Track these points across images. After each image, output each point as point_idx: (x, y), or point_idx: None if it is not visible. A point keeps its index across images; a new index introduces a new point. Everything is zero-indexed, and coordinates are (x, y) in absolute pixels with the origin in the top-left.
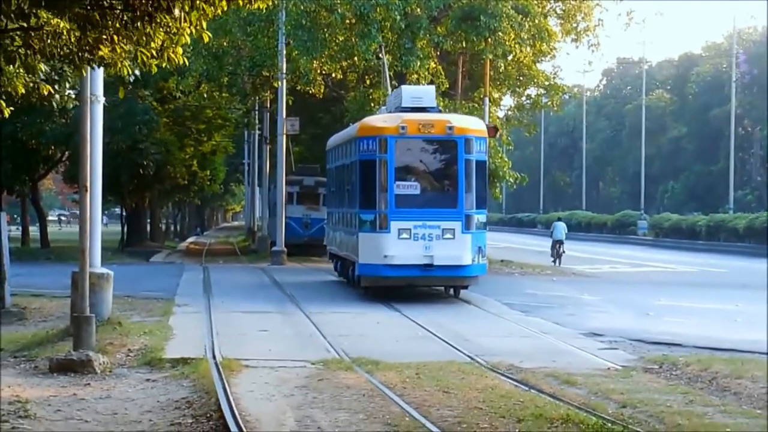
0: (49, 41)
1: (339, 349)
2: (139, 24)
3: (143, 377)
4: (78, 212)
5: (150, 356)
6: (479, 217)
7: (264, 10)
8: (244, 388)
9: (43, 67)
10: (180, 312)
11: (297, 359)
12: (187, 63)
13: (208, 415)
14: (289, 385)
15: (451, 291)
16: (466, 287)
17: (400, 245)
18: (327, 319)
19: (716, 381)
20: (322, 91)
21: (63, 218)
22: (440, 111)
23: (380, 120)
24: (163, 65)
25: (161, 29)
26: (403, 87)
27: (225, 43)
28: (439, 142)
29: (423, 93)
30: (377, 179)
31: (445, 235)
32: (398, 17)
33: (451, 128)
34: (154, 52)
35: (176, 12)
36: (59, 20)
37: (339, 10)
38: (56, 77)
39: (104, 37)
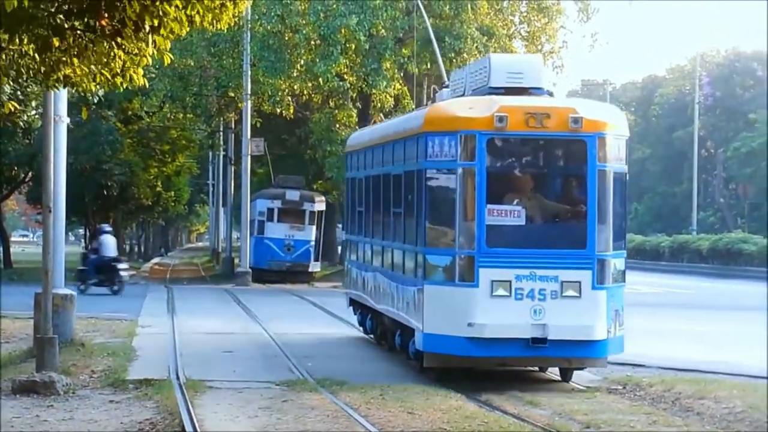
0: (14, 59)
1: (303, 370)
2: (99, 46)
3: (107, 398)
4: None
5: (114, 377)
6: (617, 263)
7: (229, 31)
8: (209, 410)
9: (7, 88)
10: (144, 333)
11: (261, 380)
12: (146, 84)
13: None
14: (253, 406)
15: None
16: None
17: (495, 307)
18: (291, 340)
19: (679, 401)
20: (291, 111)
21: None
22: (550, 94)
23: (461, 106)
24: (124, 86)
25: (121, 51)
26: (492, 56)
27: (191, 63)
28: (559, 142)
29: (524, 65)
30: (457, 201)
31: (567, 292)
32: (363, 38)
33: (577, 120)
34: (116, 73)
35: (141, 34)
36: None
37: (304, 31)
38: (21, 96)
39: (64, 58)
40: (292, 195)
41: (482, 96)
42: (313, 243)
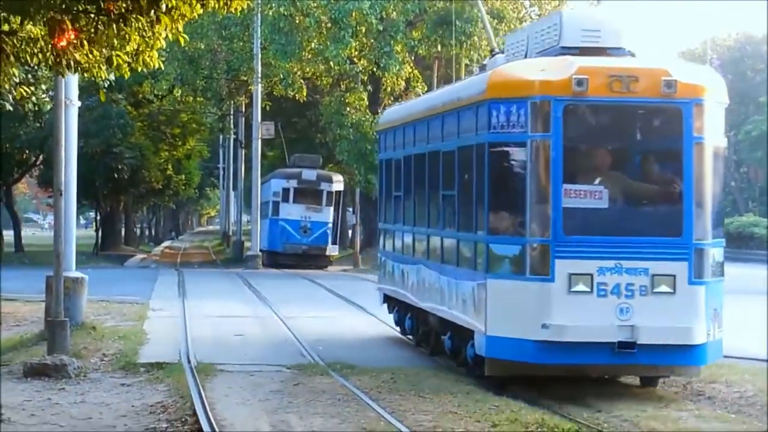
0: (23, 46)
1: (314, 354)
2: (113, 28)
3: (118, 382)
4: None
5: (125, 361)
6: (716, 254)
7: (240, 14)
8: (220, 393)
9: (16, 71)
10: (155, 316)
11: (272, 363)
12: (162, 67)
13: (183, 419)
14: (264, 390)
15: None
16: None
17: (574, 305)
18: (302, 324)
19: (690, 385)
20: (304, 94)
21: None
22: (632, 55)
23: (532, 68)
24: (139, 69)
25: (136, 33)
26: (564, 12)
27: (201, 47)
28: (649, 110)
29: (602, 22)
30: (528, 180)
31: (659, 287)
32: (374, 21)
33: (671, 84)
34: (129, 56)
35: (151, 14)
36: (32, 26)
37: (315, 14)
38: (32, 80)
39: (75, 41)
40: (309, 174)
41: (555, 57)
42: (330, 225)
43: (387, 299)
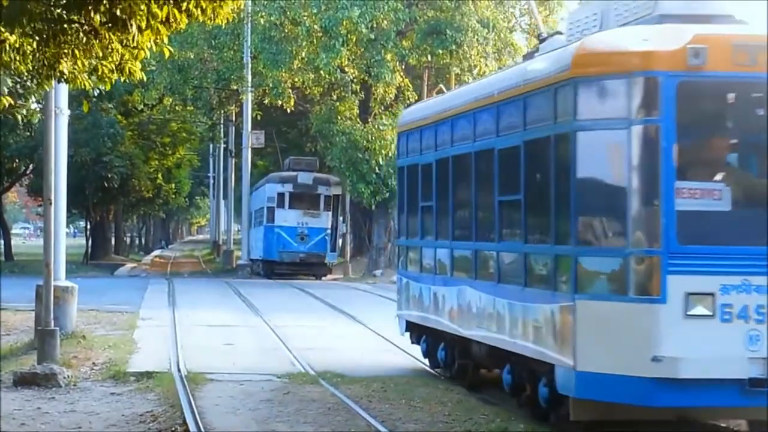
0: (12, 56)
1: (304, 362)
2: (97, 39)
3: (108, 391)
4: (31, 226)
5: (115, 370)
6: None
7: (230, 24)
8: (210, 402)
9: (9, 81)
10: (145, 325)
11: (262, 373)
12: (144, 78)
13: (173, 428)
14: (254, 399)
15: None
16: None
17: (692, 333)
18: (292, 333)
19: None
20: (292, 103)
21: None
22: (745, 23)
23: (632, 37)
24: (123, 79)
25: (119, 44)
26: None
27: (191, 56)
28: None
29: None
30: (630, 176)
31: None
32: (365, 30)
33: None
34: (113, 66)
35: (133, 30)
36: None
37: (306, 23)
38: (21, 91)
39: (64, 51)
40: (305, 178)
41: (657, 25)
42: (329, 231)
43: (410, 327)
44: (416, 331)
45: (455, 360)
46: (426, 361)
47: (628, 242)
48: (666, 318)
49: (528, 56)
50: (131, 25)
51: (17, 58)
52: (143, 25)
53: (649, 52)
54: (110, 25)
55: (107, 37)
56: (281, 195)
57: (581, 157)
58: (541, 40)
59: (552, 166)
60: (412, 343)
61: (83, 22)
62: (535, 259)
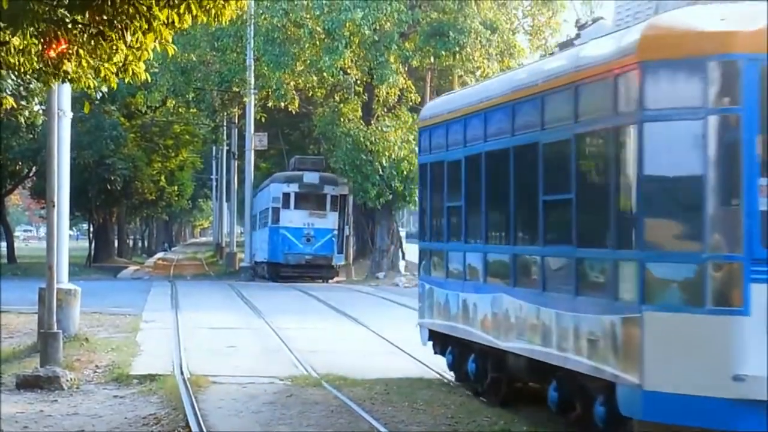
0: (16, 58)
1: (307, 365)
2: (101, 40)
3: (111, 393)
4: (34, 229)
5: (117, 372)
6: None
7: (233, 26)
8: (213, 404)
9: (11, 82)
10: (147, 328)
11: (265, 375)
12: (149, 78)
13: (176, 431)
14: (257, 401)
15: None
16: None
17: None
18: (295, 335)
19: None
20: (296, 105)
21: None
22: None
23: (705, 17)
24: (126, 80)
25: (123, 44)
26: None
27: (193, 58)
28: None
29: None
30: (708, 172)
31: None
32: (368, 32)
33: None
34: (116, 68)
35: (135, 32)
36: (24, 36)
37: (309, 25)
38: (24, 93)
39: (69, 52)
40: (311, 177)
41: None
42: (336, 232)
43: (433, 337)
44: (440, 341)
45: (487, 373)
46: (451, 374)
47: (704, 246)
48: (749, 332)
49: (565, 45)
50: (132, 27)
51: (21, 60)
52: (145, 26)
53: (727, 33)
54: (112, 27)
55: (112, 37)
56: (286, 195)
57: (649, 150)
58: (581, 27)
59: (612, 161)
60: (435, 353)
61: (88, 23)
62: (590, 264)
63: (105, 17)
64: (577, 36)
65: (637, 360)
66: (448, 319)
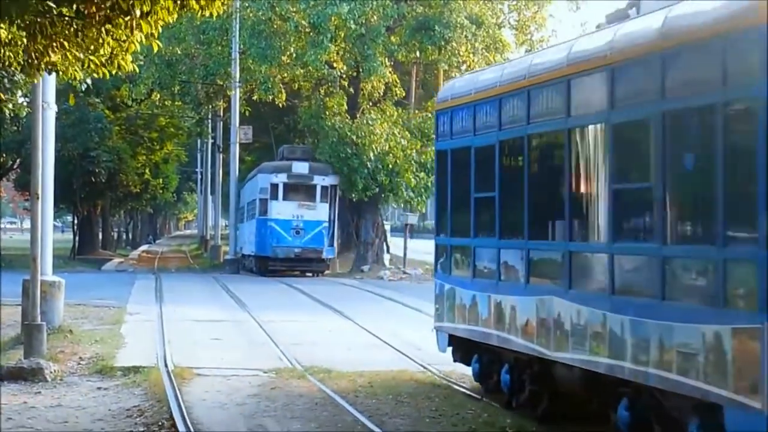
0: (2, 50)
1: (291, 357)
2: (88, 32)
3: (94, 385)
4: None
5: (101, 364)
6: None
7: (218, 19)
8: (197, 397)
9: None
10: (132, 320)
11: (249, 368)
12: (137, 70)
13: (160, 423)
14: (241, 394)
15: None
16: None
17: None
18: (279, 328)
19: None
20: (283, 98)
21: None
22: None
23: None
24: (113, 72)
25: (110, 37)
26: None
27: (178, 51)
28: None
29: None
30: None
31: None
32: (354, 26)
33: None
34: (103, 60)
35: (126, 19)
36: (10, 28)
37: (294, 19)
38: (8, 85)
39: (54, 44)
40: (301, 167)
41: None
42: (326, 224)
43: (454, 343)
44: (463, 347)
45: (525, 386)
46: (477, 384)
47: None
48: None
49: (615, 17)
50: (135, 9)
51: (8, 53)
52: (146, 9)
53: None
54: (109, 13)
55: (98, 29)
56: (275, 186)
57: None
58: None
59: (718, 144)
60: (455, 361)
61: (73, 15)
62: (683, 264)
63: (100, 8)
64: (630, 6)
65: (757, 380)
66: (475, 323)
